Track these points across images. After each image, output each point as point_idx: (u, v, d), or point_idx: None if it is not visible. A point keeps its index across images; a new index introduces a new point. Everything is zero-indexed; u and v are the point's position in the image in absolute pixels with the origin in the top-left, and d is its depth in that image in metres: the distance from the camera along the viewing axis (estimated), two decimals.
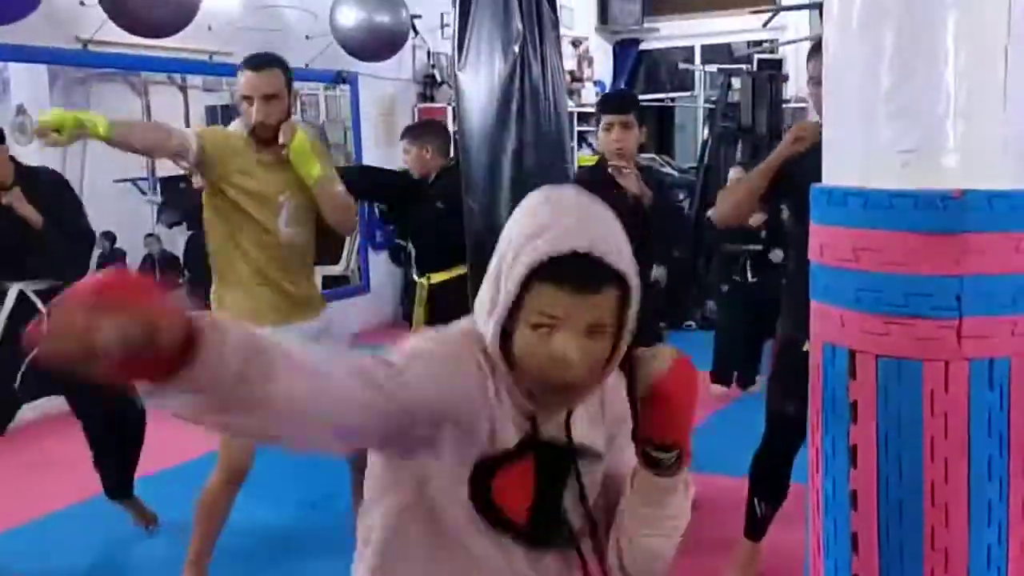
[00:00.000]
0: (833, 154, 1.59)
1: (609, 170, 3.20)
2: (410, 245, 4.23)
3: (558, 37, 3.22)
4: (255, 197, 2.96)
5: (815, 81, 2.76)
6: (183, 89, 6.83)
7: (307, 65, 6.72)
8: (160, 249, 6.79)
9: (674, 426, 1.25)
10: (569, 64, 9.61)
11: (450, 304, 3.31)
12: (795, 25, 9.24)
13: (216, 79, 6.85)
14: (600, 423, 1.36)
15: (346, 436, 1.18)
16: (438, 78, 8.14)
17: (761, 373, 5.03)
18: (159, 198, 6.89)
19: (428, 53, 8.12)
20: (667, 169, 8.62)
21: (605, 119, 3.28)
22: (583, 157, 9.46)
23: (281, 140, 2.93)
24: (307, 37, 6.69)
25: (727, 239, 5.40)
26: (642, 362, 1.25)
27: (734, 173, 5.54)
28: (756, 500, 3.06)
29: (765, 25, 8.56)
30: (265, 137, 2.95)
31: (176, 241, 6.83)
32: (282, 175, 2.98)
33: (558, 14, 3.25)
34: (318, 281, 3.66)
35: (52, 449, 4.36)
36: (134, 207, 6.63)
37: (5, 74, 5.74)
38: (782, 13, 8.75)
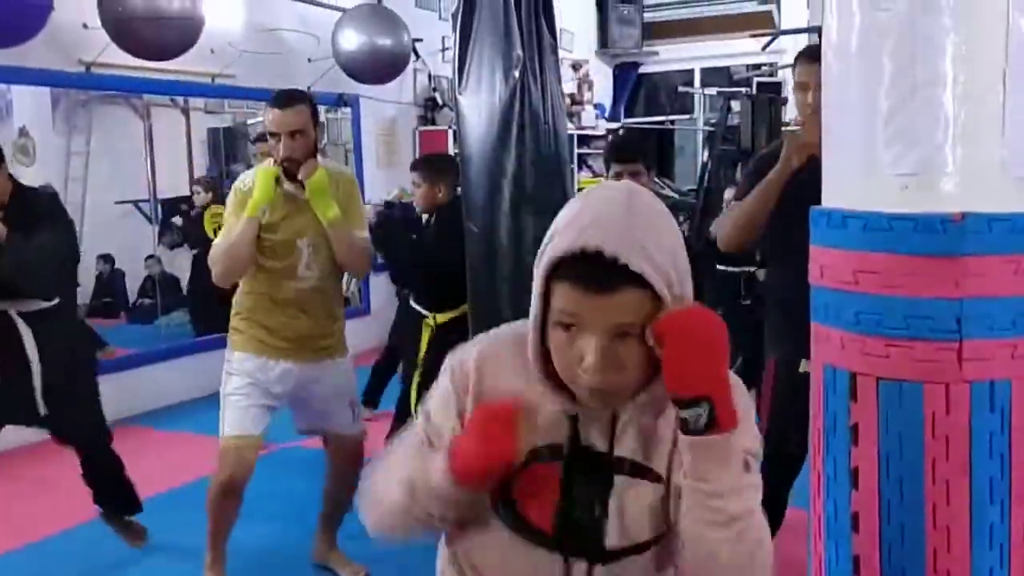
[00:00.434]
0: (833, 177, 1.60)
1: None
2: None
3: (557, 62, 3.24)
4: (278, 236, 3.01)
5: (801, 87, 2.77)
6: (185, 111, 6.85)
7: (309, 88, 6.75)
8: (161, 271, 6.79)
9: (687, 371, 1.11)
10: (569, 87, 9.66)
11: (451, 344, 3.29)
12: (794, 49, 9.29)
13: (218, 101, 6.88)
14: (660, 439, 1.23)
15: None
16: (439, 101, 8.18)
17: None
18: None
19: (429, 76, 8.16)
20: (667, 192, 8.64)
21: (614, 167, 3.25)
22: (583, 180, 9.49)
23: (300, 176, 2.96)
24: (309, 60, 6.72)
25: (722, 261, 5.41)
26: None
27: (729, 195, 5.56)
28: None
29: (764, 49, 8.62)
30: (291, 172, 2.98)
31: (175, 263, 6.83)
32: (305, 216, 3.01)
33: (557, 39, 3.27)
34: None
35: (47, 472, 4.34)
36: (135, 229, 6.64)
37: (8, 96, 5.76)
38: (781, 37, 8.80)
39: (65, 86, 5.71)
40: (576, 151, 9.39)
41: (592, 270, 1.10)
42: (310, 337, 3.09)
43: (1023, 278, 1.43)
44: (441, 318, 3.86)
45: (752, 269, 5.29)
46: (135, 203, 6.59)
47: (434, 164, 4.16)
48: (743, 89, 8.54)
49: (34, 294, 3.07)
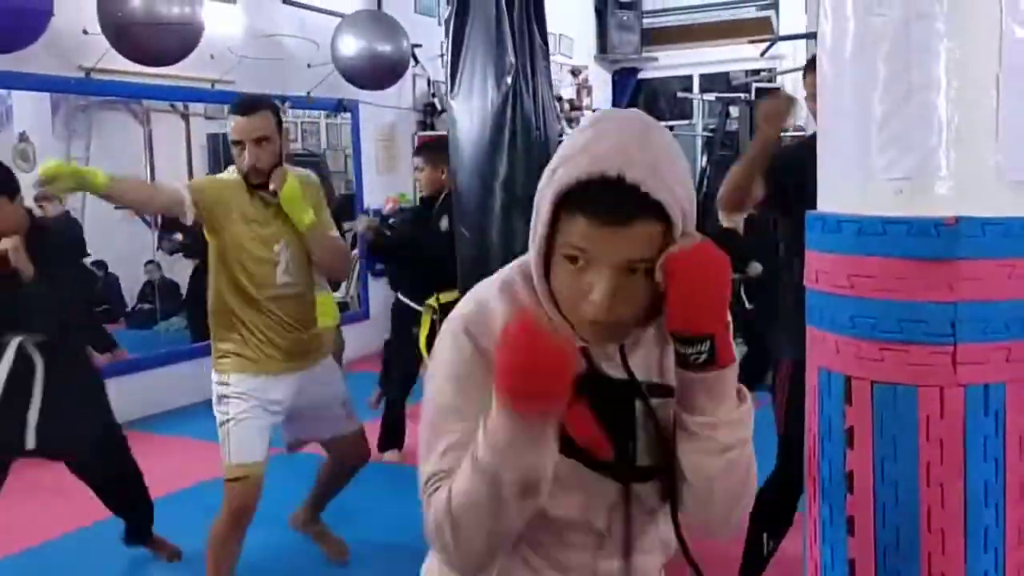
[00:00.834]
0: (828, 181, 1.61)
1: None
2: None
3: (549, 68, 3.26)
4: (253, 244, 2.96)
5: (813, 97, 2.78)
6: (185, 117, 6.87)
7: (309, 93, 6.78)
8: (160, 276, 6.80)
9: (691, 310, 1.08)
10: (569, 93, 9.68)
11: None
12: (793, 54, 9.32)
13: (218, 107, 6.89)
14: (668, 364, 1.22)
15: None
16: (438, 106, 8.19)
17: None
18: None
19: (428, 81, 8.18)
20: None
21: None
22: None
23: (272, 187, 2.92)
24: (308, 66, 6.74)
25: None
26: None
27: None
28: (764, 536, 2.98)
29: (763, 54, 8.63)
30: (258, 181, 2.94)
31: (175, 268, 6.84)
32: (278, 223, 2.98)
33: (549, 45, 3.29)
34: None
35: (48, 476, 4.34)
36: (135, 234, 6.64)
37: (8, 102, 5.78)
38: (779, 42, 8.82)
39: (65, 91, 5.73)
40: None
41: (609, 199, 1.05)
42: (297, 343, 3.05)
43: (1017, 282, 1.43)
44: (444, 298, 3.90)
45: (751, 274, 5.29)
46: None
47: (436, 148, 4.25)
48: (741, 95, 8.55)
49: (51, 333, 3.06)
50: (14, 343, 3.02)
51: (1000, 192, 1.43)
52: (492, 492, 1.08)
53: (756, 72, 9.46)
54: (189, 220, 2.92)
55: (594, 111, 9.98)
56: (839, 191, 1.57)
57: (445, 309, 3.89)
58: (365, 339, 6.97)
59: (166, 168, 6.69)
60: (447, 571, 1.29)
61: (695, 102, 10.06)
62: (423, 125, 8.27)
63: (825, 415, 1.57)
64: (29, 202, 3.31)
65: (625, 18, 10.55)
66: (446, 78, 3.24)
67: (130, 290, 6.78)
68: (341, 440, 3.27)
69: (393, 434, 4.71)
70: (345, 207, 6.87)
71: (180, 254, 6.76)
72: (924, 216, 1.43)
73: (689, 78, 10.79)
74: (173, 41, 5.19)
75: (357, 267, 7.35)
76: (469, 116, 3.08)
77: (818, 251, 1.58)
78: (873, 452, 1.50)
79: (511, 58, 3.00)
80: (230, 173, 3.03)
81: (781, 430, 2.94)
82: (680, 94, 10.32)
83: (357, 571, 3.45)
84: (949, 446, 1.45)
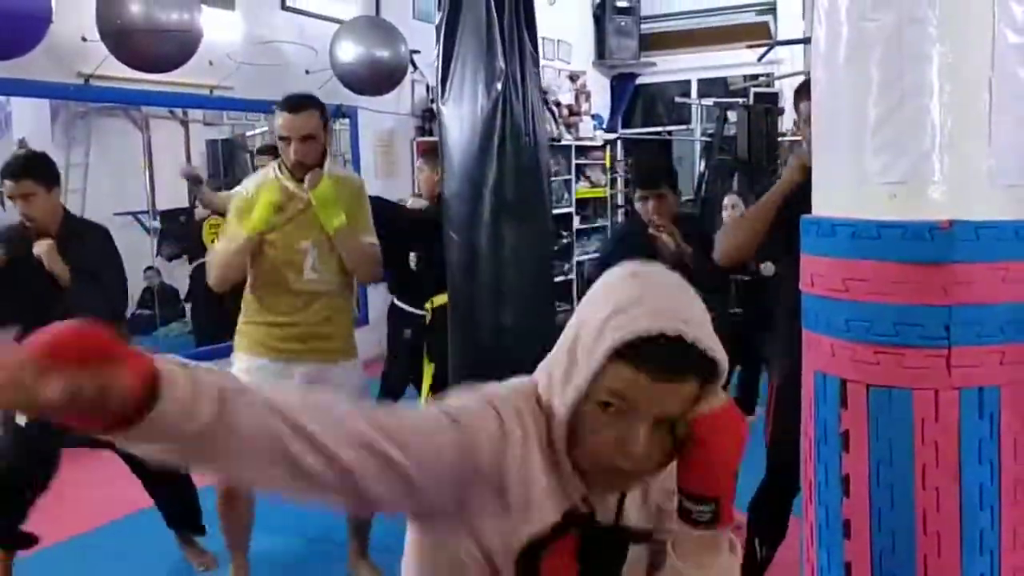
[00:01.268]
0: (822, 186, 1.62)
1: (649, 230, 3.36)
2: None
3: (539, 74, 3.27)
4: (281, 239, 3.03)
5: (808, 121, 2.76)
6: (184, 123, 6.87)
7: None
8: (160, 282, 6.80)
9: (710, 476, 1.14)
10: (567, 98, 9.68)
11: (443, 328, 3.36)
12: (790, 59, 9.33)
13: (217, 113, 6.91)
14: (644, 499, 1.29)
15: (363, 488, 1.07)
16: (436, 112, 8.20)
17: (761, 404, 5.02)
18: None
19: (427, 87, 8.19)
20: None
21: (639, 191, 3.51)
22: (580, 190, 9.51)
23: (305, 186, 2.99)
24: (307, 72, 6.74)
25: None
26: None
27: (728, 201, 5.57)
28: (757, 542, 2.98)
29: (760, 59, 8.64)
30: (302, 177, 3.01)
31: (175, 274, 6.84)
32: (310, 221, 3.03)
33: (539, 51, 3.30)
34: None
35: (68, 475, 4.35)
36: (134, 240, 6.65)
37: (7, 109, 5.78)
38: (777, 47, 8.83)
39: (64, 98, 5.74)
40: (574, 162, 9.40)
41: (663, 356, 1.09)
42: (317, 337, 3.09)
43: (1011, 285, 1.44)
44: (439, 300, 3.92)
45: (743, 278, 5.28)
46: (134, 215, 6.61)
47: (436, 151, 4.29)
48: (739, 100, 8.57)
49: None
50: None
51: (993, 196, 1.44)
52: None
53: (754, 77, 9.47)
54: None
55: (593, 117, 10.00)
56: (833, 195, 1.57)
57: (437, 312, 3.92)
58: (363, 344, 6.97)
59: (165, 175, 6.69)
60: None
61: (693, 107, 10.08)
62: (422, 131, 8.28)
63: (821, 418, 1.58)
64: None
65: (623, 23, 10.56)
66: (436, 83, 3.25)
67: (130, 296, 6.77)
68: None
69: None
70: None
71: (179, 259, 6.77)
72: (918, 220, 1.43)
73: (687, 83, 10.80)
74: (172, 48, 5.20)
75: None
76: (459, 122, 3.10)
77: (813, 255, 1.59)
78: (869, 455, 1.50)
79: (501, 64, 3.02)
80: (266, 173, 3.10)
81: (769, 439, 2.95)
82: (678, 99, 10.33)
83: None
84: (944, 449, 1.46)
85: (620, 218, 9.95)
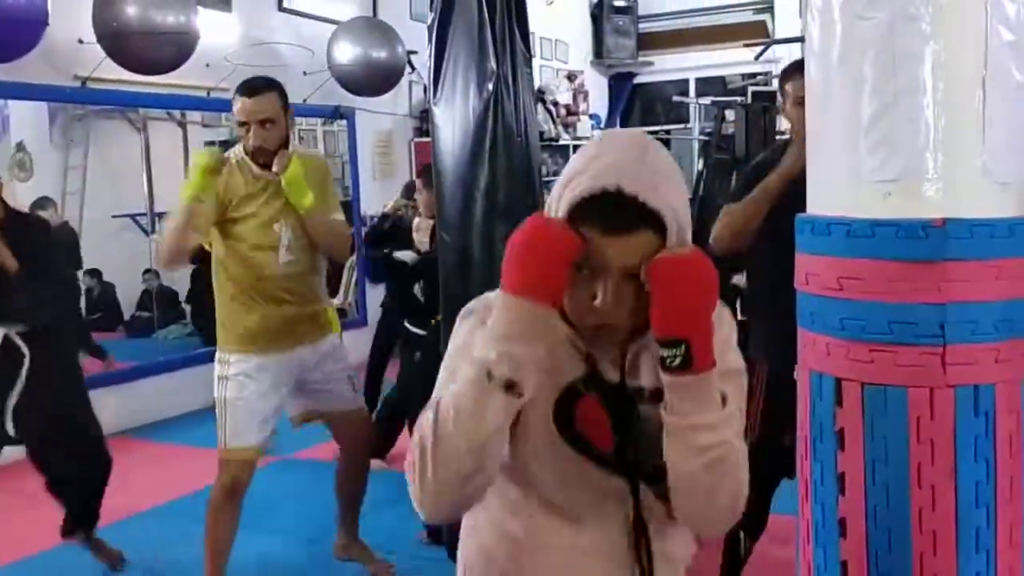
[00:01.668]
0: (816, 185, 1.62)
1: None
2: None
3: (531, 75, 3.26)
4: (253, 225, 3.00)
5: (797, 101, 2.74)
6: (182, 125, 6.87)
7: (305, 100, 6.78)
8: (159, 284, 6.80)
9: (672, 315, 1.15)
10: (565, 98, 9.68)
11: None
12: (788, 57, 9.31)
13: (215, 115, 6.89)
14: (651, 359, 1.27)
15: None
16: None
17: None
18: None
19: (424, 88, 8.17)
20: None
21: None
22: None
23: (275, 169, 2.97)
24: (304, 73, 6.74)
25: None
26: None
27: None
28: (742, 535, 2.98)
29: (757, 58, 8.64)
30: (264, 161, 2.98)
31: (173, 276, 6.83)
32: (280, 203, 3.01)
33: (531, 52, 3.30)
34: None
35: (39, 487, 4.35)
36: (132, 242, 6.65)
37: (5, 112, 5.78)
38: (775, 46, 8.82)
39: (61, 101, 5.73)
40: None
41: (612, 211, 1.14)
42: (301, 321, 3.08)
43: (1005, 282, 1.44)
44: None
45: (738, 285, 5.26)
46: (132, 216, 6.61)
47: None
48: (737, 98, 8.56)
49: (43, 322, 3.14)
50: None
51: (987, 193, 1.44)
52: (479, 386, 1.15)
53: (752, 76, 9.46)
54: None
55: (591, 116, 10.01)
56: (828, 194, 1.58)
57: (435, 330, 3.90)
58: (363, 346, 6.98)
59: (163, 176, 6.69)
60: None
61: (691, 106, 10.07)
62: (419, 131, 8.28)
63: (816, 417, 1.58)
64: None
65: (621, 23, 10.56)
66: (429, 84, 3.25)
67: (128, 299, 6.77)
68: (347, 419, 3.27)
69: (383, 441, 4.70)
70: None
71: None
72: (912, 218, 1.44)
73: (685, 82, 10.79)
74: (168, 50, 5.20)
75: (355, 274, 7.35)
76: (451, 122, 3.09)
77: (808, 254, 1.59)
78: (864, 454, 1.51)
79: (492, 65, 3.01)
80: (234, 152, 3.06)
81: (752, 433, 2.91)
82: (676, 98, 10.31)
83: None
84: (940, 447, 1.46)
85: None
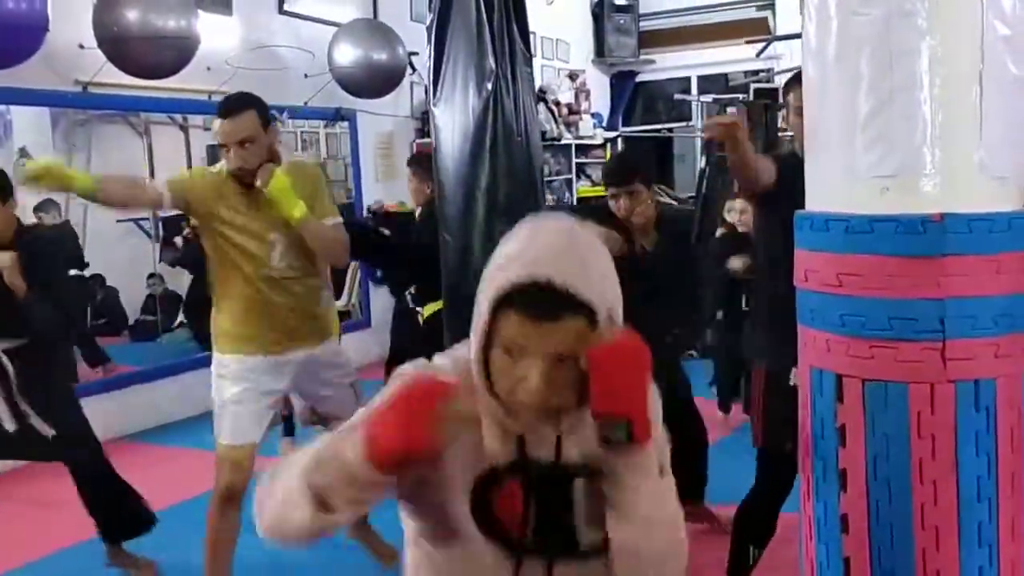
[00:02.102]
0: (815, 181, 1.62)
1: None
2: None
3: (530, 74, 3.26)
4: (246, 233, 2.99)
5: (798, 111, 2.72)
6: (184, 128, 6.87)
7: (306, 103, 6.79)
8: (163, 289, 6.81)
9: (611, 394, 1.20)
10: (567, 97, 9.67)
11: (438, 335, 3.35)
12: (790, 54, 9.31)
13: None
14: (585, 438, 1.32)
15: None
16: None
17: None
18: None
19: (425, 89, 8.17)
20: (666, 199, 8.65)
21: (610, 190, 3.26)
22: (581, 189, 9.50)
23: (258, 184, 2.92)
24: (306, 76, 6.75)
25: (724, 267, 5.38)
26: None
27: (730, 206, 5.56)
28: (750, 547, 2.93)
29: (759, 55, 8.63)
30: (247, 181, 2.94)
31: (178, 280, 6.85)
32: (270, 214, 2.98)
33: (530, 51, 3.29)
34: None
35: (44, 491, 4.35)
36: (137, 247, 6.66)
37: (7, 117, 5.79)
38: (777, 43, 8.82)
39: (62, 106, 5.74)
40: (574, 161, 9.40)
41: (540, 301, 1.18)
42: (298, 324, 3.07)
43: (1004, 277, 1.44)
44: (428, 310, 3.90)
45: (732, 268, 5.25)
46: (136, 221, 6.62)
47: (424, 162, 4.28)
48: (739, 95, 8.55)
49: (39, 340, 3.18)
50: None
51: (984, 188, 1.44)
52: (299, 491, 1.23)
53: (754, 73, 9.45)
54: (166, 207, 3.04)
55: (593, 115, 10.00)
56: (826, 190, 1.58)
57: (428, 321, 3.92)
58: (367, 347, 6.98)
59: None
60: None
61: (693, 104, 10.06)
62: (420, 133, 8.28)
63: (817, 414, 1.58)
64: (29, 213, 3.35)
65: (622, 21, 10.55)
66: (428, 85, 3.25)
67: (133, 303, 6.78)
68: None
69: None
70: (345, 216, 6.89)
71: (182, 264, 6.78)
72: (910, 213, 1.44)
73: (687, 80, 10.78)
74: (169, 54, 5.20)
75: (358, 275, 7.36)
76: (451, 122, 3.10)
77: (807, 250, 1.59)
78: (865, 450, 1.51)
79: (491, 64, 3.01)
80: (222, 165, 3.04)
81: (758, 442, 2.86)
82: (678, 96, 10.31)
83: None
84: (941, 442, 1.46)
85: None
